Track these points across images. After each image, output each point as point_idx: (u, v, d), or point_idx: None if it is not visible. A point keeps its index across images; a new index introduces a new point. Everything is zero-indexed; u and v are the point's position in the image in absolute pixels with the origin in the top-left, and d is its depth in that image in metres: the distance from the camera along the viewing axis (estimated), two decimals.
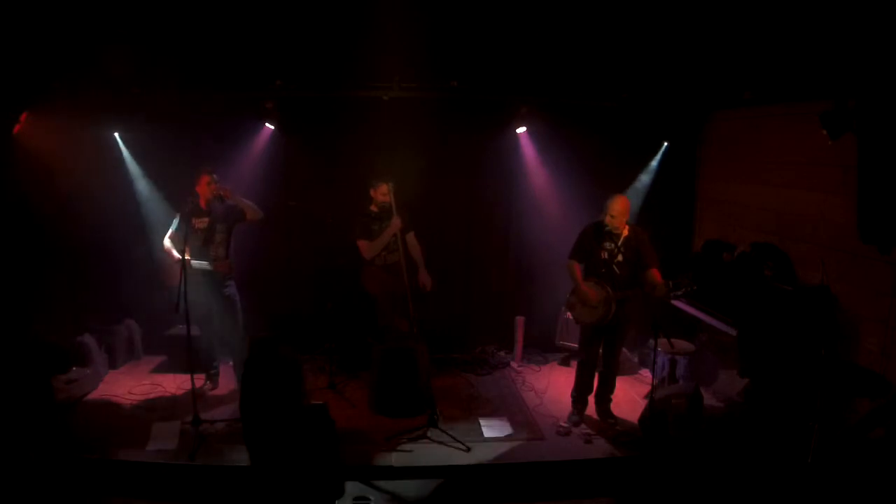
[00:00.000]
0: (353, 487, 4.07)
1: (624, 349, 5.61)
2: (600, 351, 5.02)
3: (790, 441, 3.91)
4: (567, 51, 4.53)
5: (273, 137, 6.10)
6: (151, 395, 5.46)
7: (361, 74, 5.10)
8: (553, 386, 5.87)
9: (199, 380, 5.41)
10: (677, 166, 6.57)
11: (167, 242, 5.31)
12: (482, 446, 4.70)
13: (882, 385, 3.93)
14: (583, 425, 5.05)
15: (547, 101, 5.73)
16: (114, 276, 6.24)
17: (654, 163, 6.41)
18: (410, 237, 5.68)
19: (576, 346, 5.44)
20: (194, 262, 5.11)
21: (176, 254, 5.13)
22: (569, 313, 5.38)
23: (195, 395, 4.76)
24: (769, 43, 3.99)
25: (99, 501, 3.99)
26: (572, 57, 4.63)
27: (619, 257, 4.77)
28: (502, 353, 6.67)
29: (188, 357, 4.76)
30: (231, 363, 5.71)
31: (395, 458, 4.51)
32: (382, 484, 4.20)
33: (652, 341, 4.91)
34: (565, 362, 6.45)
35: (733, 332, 4.98)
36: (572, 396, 5.15)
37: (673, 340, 4.99)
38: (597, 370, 5.08)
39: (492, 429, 4.99)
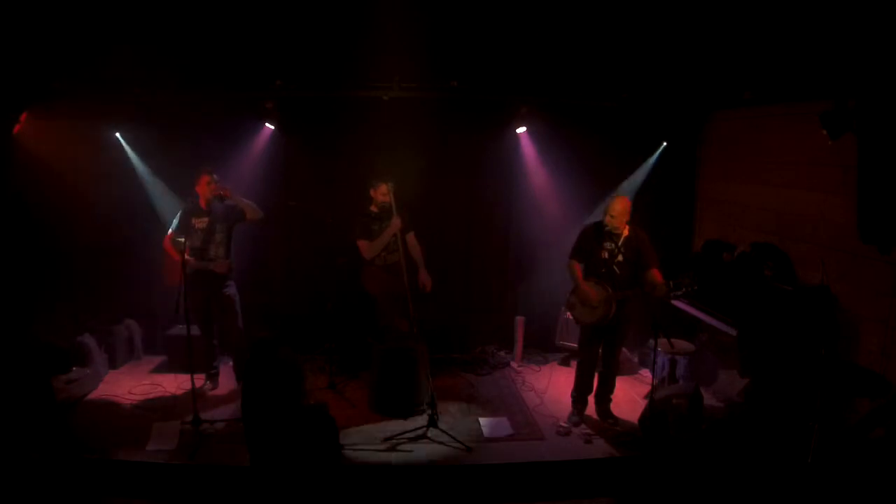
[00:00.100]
0: None
1: (624, 349, 5.61)
2: (600, 351, 5.02)
3: (790, 441, 3.91)
4: (567, 51, 4.53)
5: (273, 137, 6.09)
6: (151, 395, 5.45)
7: (361, 74, 5.11)
8: (553, 386, 5.86)
9: (199, 380, 5.40)
10: (677, 166, 6.57)
11: (167, 242, 5.32)
12: (482, 446, 4.70)
13: (882, 385, 3.93)
14: (583, 425, 5.05)
15: (547, 101, 5.73)
16: (114, 276, 6.25)
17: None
18: (410, 237, 5.68)
19: (576, 346, 5.44)
20: (194, 262, 5.12)
21: (176, 254, 5.13)
22: (569, 313, 5.38)
23: (195, 395, 4.76)
24: (769, 43, 3.99)
25: (99, 501, 3.99)
26: (572, 57, 4.63)
27: (620, 257, 4.77)
28: (502, 353, 6.66)
29: (188, 357, 4.76)
30: (231, 363, 5.72)
31: (395, 458, 4.51)
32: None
33: (652, 341, 4.92)
34: (565, 362, 6.45)
35: (733, 332, 4.98)
36: (572, 396, 5.15)
37: (673, 340, 4.98)
38: (597, 370, 5.08)
39: (492, 429, 4.99)
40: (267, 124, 5.97)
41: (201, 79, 4.91)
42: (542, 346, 6.72)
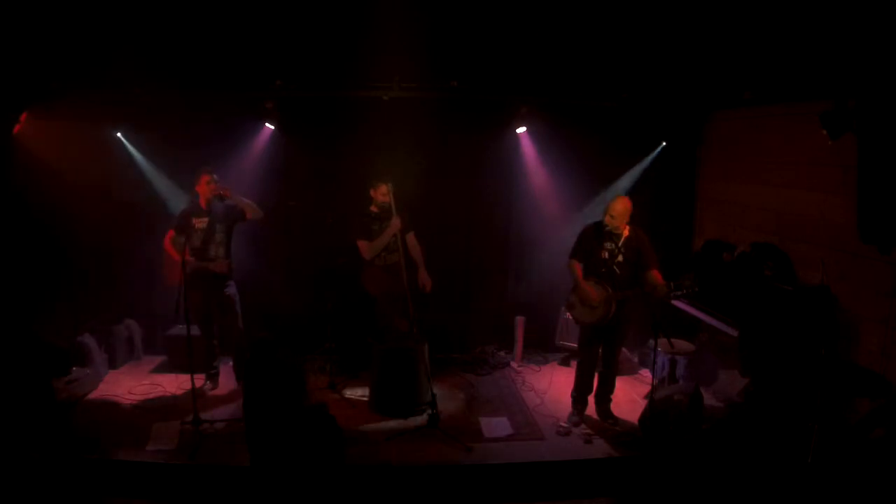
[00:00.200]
0: None
1: (624, 349, 5.61)
2: (600, 351, 5.02)
3: (790, 441, 3.91)
4: (567, 51, 4.53)
5: (273, 137, 6.10)
6: (151, 395, 5.45)
7: (361, 74, 5.10)
8: (553, 386, 5.86)
9: (199, 380, 5.40)
10: (677, 166, 6.57)
11: (167, 242, 5.32)
12: (482, 446, 4.70)
13: (882, 385, 3.93)
14: (583, 425, 5.05)
15: (547, 101, 5.73)
16: (114, 276, 6.25)
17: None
18: (410, 237, 5.68)
19: (576, 346, 5.44)
20: (194, 262, 5.12)
21: (176, 254, 5.13)
22: (568, 313, 5.38)
23: (195, 395, 4.76)
24: (769, 43, 3.99)
25: (99, 501, 3.99)
26: (572, 57, 4.63)
27: (620, 257, 4.77)
28: (502, 353, 6.66)
29: (188, 357, 4.76)
30: (231, 363, 5.72)
31: (395, 458, 4.51)
32: None
33: (652, 341, 4.92)
34: (565, 362, 6.45)
35: (733, 333, 4.98)
36: (572, 396, 5.15)
37: (673, 340, 4.99)
38: (597, 370, 5.08)
39: (492, 429, 4.99)
40: (267, 124, 5.97)
41: (201, 79, 4.90)
42: (542, 346, 6.72)
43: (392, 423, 5.00)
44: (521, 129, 6.17)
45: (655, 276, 4.69)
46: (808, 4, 3.54)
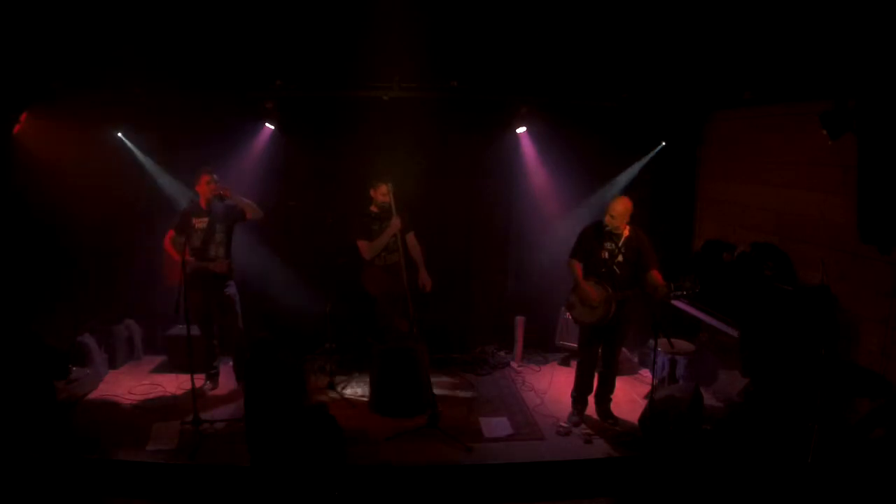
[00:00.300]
0: None
1: (624, 349, 5.61)
2: (600, 351, 5.02)
3: (790, 441, 3.91)
4: (567, 51, 4.53)
5: (273, 137, 6.09)
6: (151, 395, 5.45)
7: (361, 74, 5.10)
8: (553, 386, 5.86)
9: (199, 380, 5.40)
10: (677, 166, 6.57)
11: (167, 242, 5.32)
12: (482, 446, 4.70)
13: (882, 385, 3.93)
14: (583, 425, 5.05)
15: (547, 101, 5.73)
16: (114, 276, 6.25)
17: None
18: (410, 237, 5.68)
19: (576, 346, 5.44)
20: (194, 262, 5.12)
21: (176, 254, 5.13)
22: (568, 313, 5.38)
23: (195, 395, 4.76)
24: (769, 43, 3.99)
25: (99, 501, 3.99)
26: (572, 57, 4.63)
27: (620, 257, 4.77)
28: (502, 353, 6.66)
29: (188, 357, 4.76)
30: (231, 363, 5.72)
31: (395, 458, 4.51)
32: None
33: (652, 341, 4.92)
34: (565, 362, 6.45)
35: (733, 333, 4.98)
36: (572, 396, 5.15)
37: (673, 340, 4.99)
38: (597, 370, 5.08)
39: (492, 429, 4.99)
40: (267, 124, 5.97)
41: (201, 79, 4.90)
42: (542, 346, 6.72)
43: (392, 423, 5.00)
44: (521, 129, 6.17)
45: (655, 276, 4.69)
46: (808, 4, 3.54)
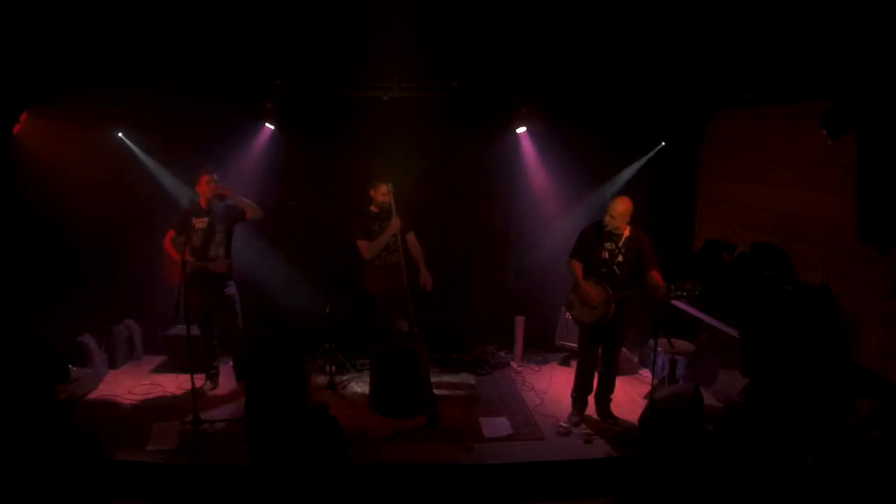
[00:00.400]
0: None
1: (624, 349, 5.61)
2: (600, 351, 5.02)
3: (790, 441, 3.91)
4: (567, 51, 4.53)
5: (273, 137, 6.10)
6: (151, 395, 5.45)
7: (361, 74, 5.10)
8: (553, 386, 5.86)
9: (199, 380, 5.40)
10: (677, 166, 6.57)
11: (167, 242, 5.32)
12: (482, 446, 4.70)
13: (882, 385, 3.93)
14: (583, 425, 5.05)
15: (547, 101, 5.73)
16: (114, 276, 6.26)
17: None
18: (411, 237, 5.68)
19: (576, 346, 5.44)
20: (194, 262, 5.12)
21: (176, 254, 5.13)
22: (568, 313, 5.38)
23: (195, 395, 4.76)
24: (769, 43, 3.99)
25: (99, 501, 3.99)
26: (572, 57, 4.63)
27: (620, 258, 4.77)
28: (502, 353, 6.66)
29: (188, 357, 4.76)
30: (231, 363, 5.72)
31: (395, 458, 4.51)
32: None
33: (652, 341, 4.92)
34: (565, 362, 6.45)
35: (733, 333, 4.98)
36: (572, 396, 5.15)
37: (673, 340, 4.99)
38: (597, 370, 5.08)
39: (492, 429, 4.99)
40: (267, 124, 5.97)
41: (201, 79, 4.90)
42: (542, 346, 6.72)
43: (392, 423, 5.00)
44: (521, 129, 6.17)
45: (655, 277, 4.69)
46: (808, 4, 3.54)
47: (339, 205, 5.84)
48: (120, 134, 5.91)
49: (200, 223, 5.26)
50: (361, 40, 4.36)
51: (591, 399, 5.15)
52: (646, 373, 6.10)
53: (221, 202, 5.22)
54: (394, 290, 5.49)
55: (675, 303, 5.68)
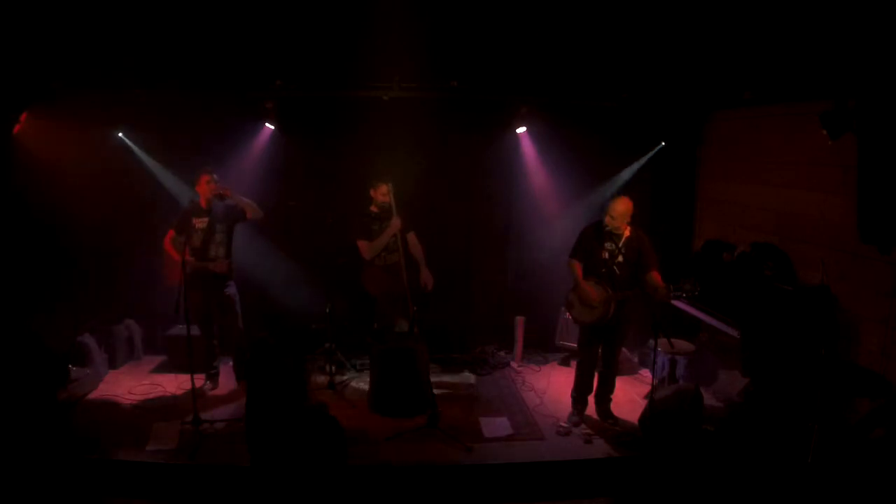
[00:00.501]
0: None
1: (624, 349, 5.61)
2: (600, 351, 5.02)
3: (790, 441, 3.91)
4: (567, 51, 4.53)
5: (273, 137, 6.10)
6: (151, 395, 5.45)
7: (361, 74, 5.10)
8: (553, 386, 5.86)
9: (199, 380, 5.40)
10: (677, 166, 6.57)
11: (167, 242, 5.32)
12: (482, 446, 4.70)
13: (882, 385, 3.93)
14: (583, 425, 5.05)
15: (547, 101, 5.74)
16: (114, 276, 6.26)
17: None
18: (411, 237, 5.68)
19: (576, 346, 5.44)
20: (194, 262, 5.12)
21: (176, 254, 5.13)
22: (568, 313, 5.38)
23: (195, 395, 4.76)
24: (769, 43, 3.99)
25: (99, 501, 3.99)
26: (572, 57, 4.63)
27: (620, 258, 4.77)
28: (502, 353, 6.66)
29: (188, 357, 4.76)
30: (231, 363, 5.72)
31: (395, 458, 4.51)
32: None
33: (652, 341, 4.92)
34: (565, 362, 6.45)
35: (734, 333, 4.98)
36: (572, 396, 5.15)
37: (673, 340, 4.99)
38: (597, 370, 5.08)
39: (492, 429, 4.99)
40: (267, 124, 5.97)
41: (201, 79, 4.91)
42: (542, 346, 6.72)
43: (392, 423, 5.00)
44: (521, 129, 6.17)
45: (655, 277, 4.69)
46: (808, 4, 3.54)
47: (339, 205, 5.84)
48: (120, 134, 5.92)
49: (200, 223, 5.26)
50: (361, 40, 4.37)
51: (591, 399, 5.15)
52: (646, 373, 6.10)
53: (221, 202, 5.22)
54: (394, 290, 5.50)
55: (675, 303, 5.68)
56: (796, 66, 4.18)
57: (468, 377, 6.13)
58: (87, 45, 4.24)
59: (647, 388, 5.24)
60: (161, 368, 6.07)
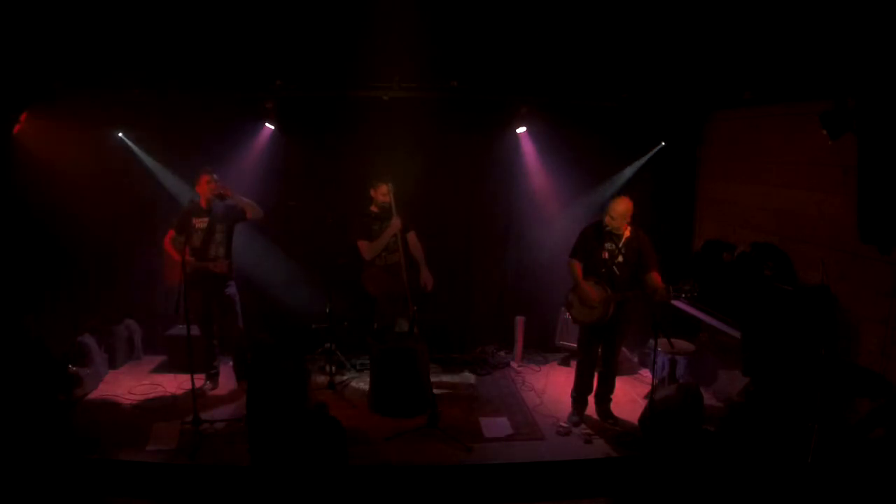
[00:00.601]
0: None
1: (624, 349, 5.61)
2: (600, 351, 5.02)
3: (790, 441, 3.91)
4: (567, 51, 4.53)
5: (273, 137, 6.10)
6: (151, 395, 5.45)
7: (361, 74, 5.11)
8: (553, 386, 5.86)
9: (199, 380, 5.40)
10: (677, 166, 6.57)
11: (167, 242, 5.32)
12: (482, 446, 4.70)
13: (882, 385, 3.93)
14: (583, 425, 5.05)
15: (547, 101, 5.74)
16: (114, 276, 6.26)
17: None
18: (411, 237, 5.67)
19: (576, 346, 5.44)
20: (194, 262, 5.12)
21: (176, 254, 5.13)
22: (568, 313, 5.38)
23: (195, 395, 4.76)
24: (769, 43, 3.99)
25: (99, 501, 3.99)
26: (572, 57, 4.63)
27: (620, 258, 4.77)
28: (502, 353, 6.66)
29: (188, 357, 4.76)
30: (231, 363, 5.72)
31: (395, 458, 4.51)
32: None
33: (652, 341, 4.91)
34: (565, 362, 6.45)
35: (733, 333, 4.98)
36: (572, 396, 5.15)
37: (673, 340, 4.99)
38: (597, 370, 5.08)
39: (492, 429, 4.99)
40: (267, 124, 5.97)
41: (201, 79, 4.91)
42: (542, 346, 6.73)
43: (392, 423, 5.00)
44: (521, 129, 6.17)
45: (655, 278, 4.69)
46: (808, 4, 3.54)
47: (339, 205, 5.84)
48: (120, 134, 5.92)
49: (200, 223, 5.26)
50: (361, 40, 4.37)
51: (591, 399, 5.15)
52: (646, 373, 6.10)
53: (221, 202, 5.22)
54: (394, 290, 5.49)
55: (675, 303, 5.68)
56: (796, 66, 4.18)
57: (468, 377, 6.13)
58: (88, 45, 4.24)
59: (647, 388, 5.24)
60: (161, 368, 6.07)
